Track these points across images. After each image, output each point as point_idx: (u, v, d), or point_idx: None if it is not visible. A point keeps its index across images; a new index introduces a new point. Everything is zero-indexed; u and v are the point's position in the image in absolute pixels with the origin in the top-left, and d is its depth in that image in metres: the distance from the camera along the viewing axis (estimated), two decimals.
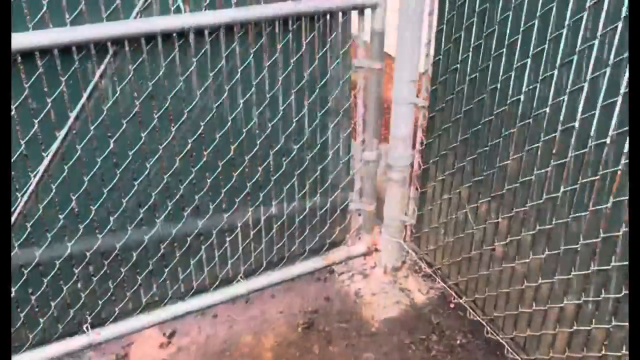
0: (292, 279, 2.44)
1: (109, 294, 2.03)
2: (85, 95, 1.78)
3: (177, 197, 2.04)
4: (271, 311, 2.31)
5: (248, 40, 1.97)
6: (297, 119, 2.16)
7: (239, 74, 1.98)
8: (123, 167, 1.91)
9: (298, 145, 2.21)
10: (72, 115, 1.79)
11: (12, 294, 1.86)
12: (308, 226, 2.39)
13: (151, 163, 1.95)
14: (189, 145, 1.99)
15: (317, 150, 2.26)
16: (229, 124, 2.03)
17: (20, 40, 1.58)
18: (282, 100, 2.11)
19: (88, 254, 1.93)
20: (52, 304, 1.93)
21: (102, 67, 1.78)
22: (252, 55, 1.98)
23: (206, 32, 1.87)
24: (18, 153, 1.73)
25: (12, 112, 1.70)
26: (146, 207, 1.99)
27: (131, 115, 1.86)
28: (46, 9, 1.63)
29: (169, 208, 2.03)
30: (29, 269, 1.85)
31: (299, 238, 2.39)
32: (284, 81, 2.08)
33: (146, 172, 1.95)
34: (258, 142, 2.12)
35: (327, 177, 2.35)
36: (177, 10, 1.82)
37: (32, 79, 1.69)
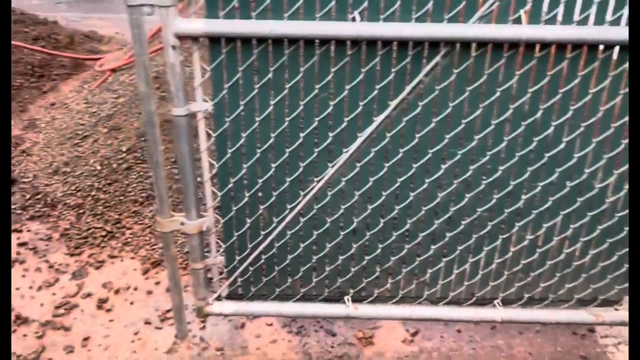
0: (544, 323, 2.23)
1: (374, 276, 2.15)
2: (407, 89, 1.89)
3: (461, 204, 2.03)
4: (519, 349, 2.15)
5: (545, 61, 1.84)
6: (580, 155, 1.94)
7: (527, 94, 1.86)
8: (419, 163, 1.97)
9: (600, 185, 1.99)
10: (392, 104, 1.91)
11: (299, 251, 2.09)
12: (584, 274, 2.14)
13: (446, 166, 1.97)
14: (486, 157, 1.96)
15: (616, 196, 2.00)
16: (534, 144, 1.93)
17: (365, 29, 1.75)
18: (569, 132, 1.91)
19: (368, 234, 2.07)
20: (327, 268, 2.13)
21: (430, 65, 1.86)
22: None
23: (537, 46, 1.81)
24: (340, 129, 1.93)
25: (345, 92, 1.90)
26: (429, 206, 2.03)
27: (441, 115, 1.91)
28: (399, 5, 1.76)
29: (450, 213, 2.04)
30: (319, 231, 2.06)
31: (571, 282, 2.16)
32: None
33: (439, 173, 1.98)
34: (557, 171, 1.97)
35: (623, 228, 2.06)
36: (517, 21, 1.79)
37: (369, 66, 1.86)
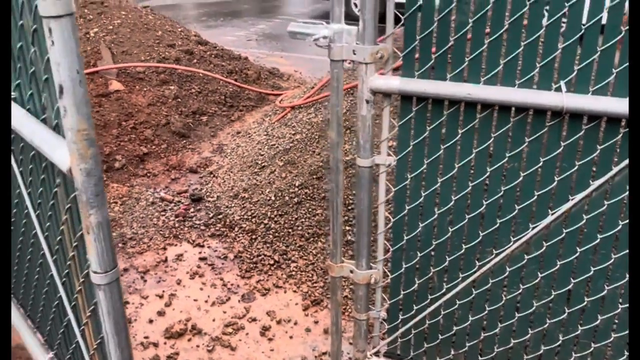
0: None
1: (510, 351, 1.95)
2: (615, 169, 1.70)
3: None
4: None
5: None
6: None
7: None
8: (621, 254, 1.74)
9: None
10: (594, 184, 1.74)
11: (467, 324, 1.98)
12: None
13: None
14: None
15: None
16: None
17: (572, 100, 1.64)
18: None
19: (549, 322, 1.88)
20: (496, 348, 1.98)
21: None
22: None
23: None
24: (528, 202, 1.80)
25: (539, 164, 1.78)
26: (626, 305, 1.78)
27: None
28: (614, 77, 1.61)
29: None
30: (492, 307, 1.94)
31: None
32: None
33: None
34: None
35: None
36: None
37: (571, 140, 1.72)
